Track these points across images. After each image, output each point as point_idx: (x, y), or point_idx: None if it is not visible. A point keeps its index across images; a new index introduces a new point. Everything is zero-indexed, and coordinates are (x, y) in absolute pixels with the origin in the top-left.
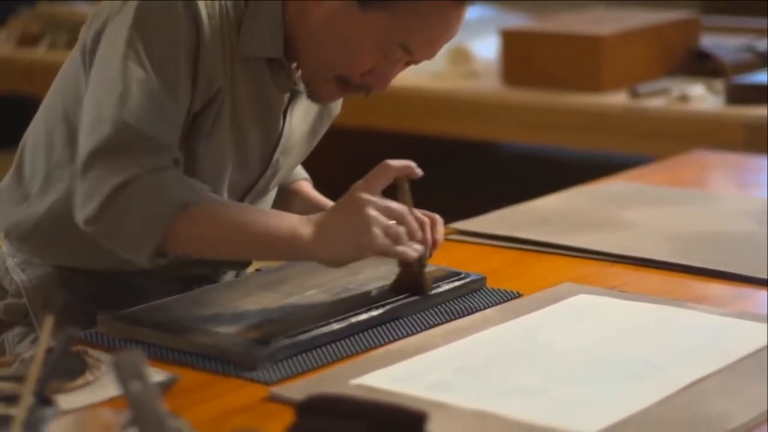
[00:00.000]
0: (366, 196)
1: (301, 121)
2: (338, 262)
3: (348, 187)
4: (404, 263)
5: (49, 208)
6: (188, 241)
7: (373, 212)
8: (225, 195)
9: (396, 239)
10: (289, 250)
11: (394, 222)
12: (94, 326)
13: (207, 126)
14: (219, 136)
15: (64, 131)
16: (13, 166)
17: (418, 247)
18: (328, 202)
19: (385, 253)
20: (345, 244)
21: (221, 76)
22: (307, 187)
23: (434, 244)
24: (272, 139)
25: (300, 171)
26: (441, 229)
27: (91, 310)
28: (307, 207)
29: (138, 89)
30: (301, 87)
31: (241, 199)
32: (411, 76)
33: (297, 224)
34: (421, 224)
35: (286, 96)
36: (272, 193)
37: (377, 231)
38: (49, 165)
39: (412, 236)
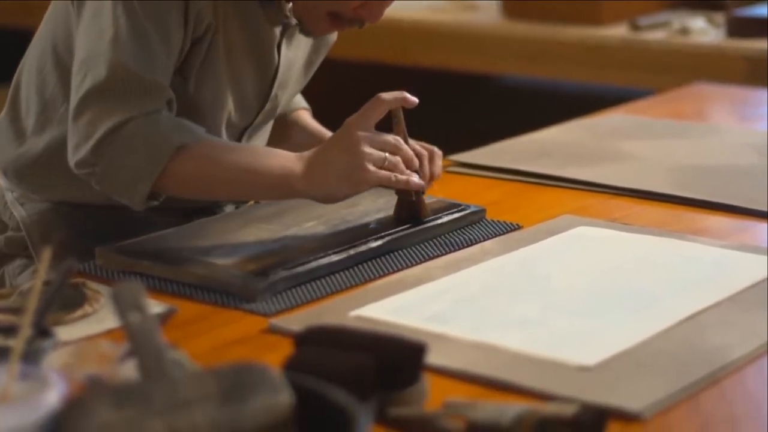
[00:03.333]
0: (359, 132)
1: (296, 53)
2: (334, 199)
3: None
4: (402, 192)
5: (46, 146)
6: (183, 183)
7: (367, 148)
8: (224, 132)
9: (393, 170)
10: (283, 189)
11: (388, 153)
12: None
13: (197, 64)
14: (213, 73)
15: (56, 69)
16: (7, 103)
17: (415, 175)
18: (327, 132)
19: (384, 184)
20: (339, 181)
21: (210, 14)
22: (306, 116)
23: (432, 176)
24: (268, 74)
25: (299, 100)
26: (439, 162)
27: (90, 245)
28: (306, 137)
29: (130, 32)
30: (293, 21)
31: (241, 135)
32: (411, 9)
33: (290, 163)
34: (417, 154)
35: (278, 30)
36: (268, 126)
37: (372, 167)
38: (42, 102)
39: (408, 165)
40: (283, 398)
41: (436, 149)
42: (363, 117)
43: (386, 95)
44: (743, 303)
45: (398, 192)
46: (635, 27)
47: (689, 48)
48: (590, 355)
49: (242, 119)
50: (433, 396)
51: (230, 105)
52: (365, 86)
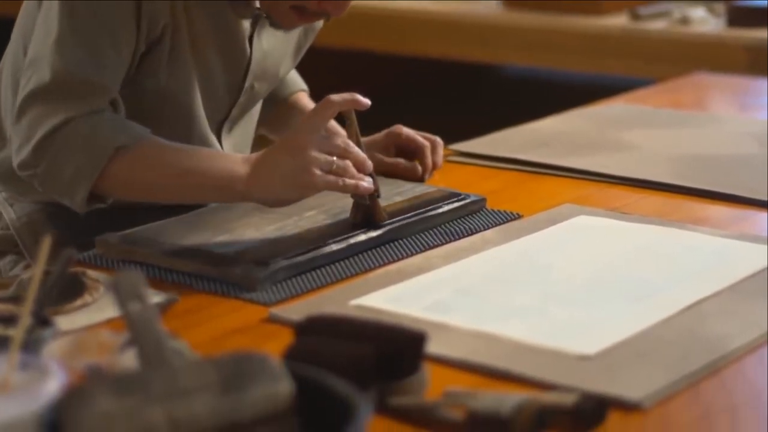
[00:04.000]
0: (306, 136)
1: (275, 42)
2: (279, 203)
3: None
4: (357, 195)
5: None
6: (124, 185)
7: (314, 152)
8: (200, 125)
9: (342, 174)
10: (227, 191)
11: (337, 157)
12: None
13: (163, 63)
14: (182, 70)
15: None
16: None
17: (367, 178)
18: None
19: (331, 189)
20: (285, 185)
21: (167, 14)
22: (305, 99)
23: (434, 166)
24: (239, 67)
25: (297, 81)
26: (441, 151)
27: (81, 242)
28: None
29: (74, 33)
30: (264, 13)
31: (219, 128)
32: None
33: (235, 165)
34: (419, 145)
35: (248, 23)
36: (250, 117)
37: (318, 171)
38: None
39: (360, 169)
40: (283, 387)
41: (437, 139)
42: (312, 120)
43: (336, 97)
44: (743, 292)
45: (353, 195)
46: (635, 16)
47: (689, 37)
48: (590, 345)
49: (217, 113)
50: (433, 385)
51: (202, 99)
52: (365, 75)
